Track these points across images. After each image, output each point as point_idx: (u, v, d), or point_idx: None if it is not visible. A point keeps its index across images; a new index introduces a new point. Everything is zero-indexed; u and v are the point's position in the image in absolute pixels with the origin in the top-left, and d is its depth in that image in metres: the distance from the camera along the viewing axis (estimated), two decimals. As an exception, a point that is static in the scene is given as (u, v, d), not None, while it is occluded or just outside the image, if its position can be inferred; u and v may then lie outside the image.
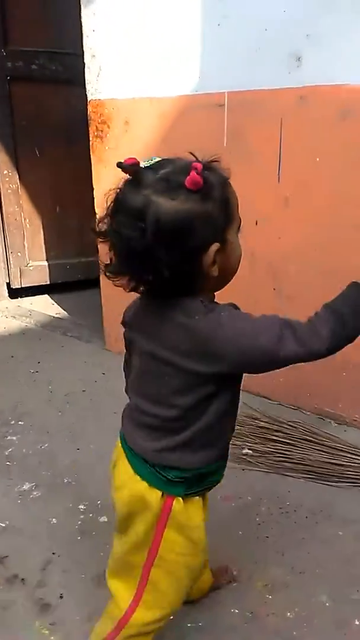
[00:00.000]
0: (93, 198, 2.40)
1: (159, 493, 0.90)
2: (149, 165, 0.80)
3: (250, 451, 1.75)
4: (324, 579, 1.29)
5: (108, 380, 2.30)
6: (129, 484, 0.92)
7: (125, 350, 0.99)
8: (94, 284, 2.70)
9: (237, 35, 1.86)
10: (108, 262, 0.84)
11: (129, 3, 2.09)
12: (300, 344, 0.81)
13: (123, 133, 2.26)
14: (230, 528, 1.46)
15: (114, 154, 2.29)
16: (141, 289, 0.87)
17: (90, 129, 2.36)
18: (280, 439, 1.80)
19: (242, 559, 1.36)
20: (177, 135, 2.08)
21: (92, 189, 2.40)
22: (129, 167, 0.79)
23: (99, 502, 1.56)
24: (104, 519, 1.50)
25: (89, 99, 2.33)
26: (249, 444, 1.78)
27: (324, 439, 1.80)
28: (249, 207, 1.95)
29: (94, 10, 2.20)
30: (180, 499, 0.91)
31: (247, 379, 2.08)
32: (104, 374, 2.36)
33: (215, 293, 0.91)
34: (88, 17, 2.22)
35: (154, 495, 0.90)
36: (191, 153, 0.83)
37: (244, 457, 1.73)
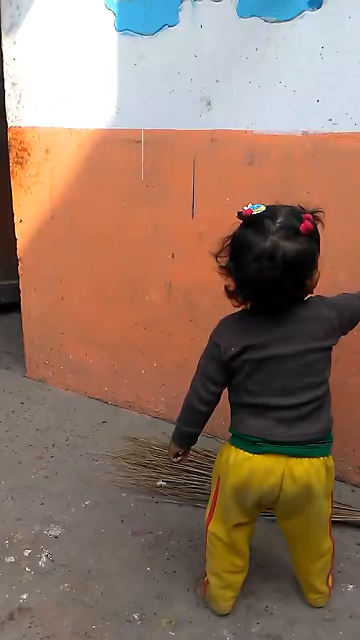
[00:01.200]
0: (13, 223, 2.38)
1: (331, 456, 1.20)
2: (260, 212, 1.08)
3: (164, 483, 1.77)
4: (227, 615, 1.33)
5: (27, 410, 2.27)
6: (318, 471, 1.16)
7: (244, 376, 1.17)
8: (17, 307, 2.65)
9: (153, 75, 1.91)
10: (231, 288, 1.14)
11: (49, 35, 2.11)
12: None
13: (44, 161, 2.26)
14: (138, 564, 1.47)
15: (35, 180, 2.29)
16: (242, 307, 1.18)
17: (10, 154, 2.34)
18: (195, 469, 1.82)
19: (148, 596, 1.37)
20: (97, 166, 2.11)
21: (13, 214, 2.38)
22: (249, 216, 1.08)
23: (6, 541, 1.54)
24: (10, 559, 1.48)
25: (9, 126, 2.32)
26: (164, 475, 1.80)
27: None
28: (165, 240, 2.05)
29: (15, 39, 2.20)
30: None
31: (166, 410, 2.12)
32: (22, 403, 2.32)
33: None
34: (9, 45, 2.22)
35: (331, 460, 1.20)
36: (300, 206, 1.12)
37: (158, 489, 1.75)
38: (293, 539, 1.29)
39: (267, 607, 1.35)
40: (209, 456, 1.89)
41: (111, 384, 2.35)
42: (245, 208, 1.09)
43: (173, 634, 1.27)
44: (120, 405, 2.33)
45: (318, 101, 1.65)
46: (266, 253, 1.04)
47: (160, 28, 1.87)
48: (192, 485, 1.76)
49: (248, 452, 1.17)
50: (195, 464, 1.85)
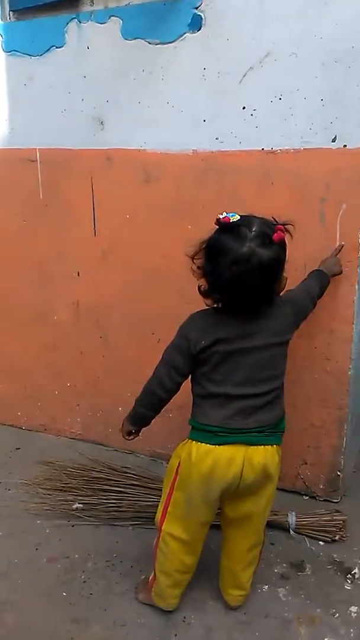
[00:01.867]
0: None
1: (280, 447, 1.29)
2: (237, 221, 1.17)
3: (80, 505, 1.75)
4: (145, 628, 1.33)
5: None
6: (274, 457, 1.26)
7: (211, 367, 1.23)
8: None
9: (44, 95, 1.92)
10: (204, 289, 1.23)
11: None
12: None
13: None
14: (54, 590, 1.44)
15: None
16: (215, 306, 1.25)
17: None
18: (112, 488, 1.81)
19: (64, 621, 1.35)
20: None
21: None
22: (227, 224, 1.17)
23: None
24: None
25: None
26: (80, 497, 1.78)
27: (155, 482, 1.85)
28: (70, 259, 2.04)
29: None
30: None
31: (82, 430, 2.08)
32: None
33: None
34: None
35: (279, 450, 1.28)
36: (273, 218, 1.21)
37: (74, 512, 1.73)
38: (238, 524, 1.32)
39: (185, 617, 1.36)
40: (127, 473, 1.89)
41: (24, 408, 2.29)
42: (222, 216, 1.18)
43: (90, 658, 1.26)
44: (35, 429, 2.28)
45: (204, 121, 1.71)
46: (244, 258, 1.13)
47: (48, 49, 1.88)
48: (110, 505, 1.74)
49: (209, 444, 1.22)
50: (113, 482, 1.84)
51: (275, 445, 1.26)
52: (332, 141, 1.58)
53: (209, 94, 1.69)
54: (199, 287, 1.25)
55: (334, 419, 1.76)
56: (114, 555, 1.57)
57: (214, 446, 1.22)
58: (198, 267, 1.22)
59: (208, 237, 1.22)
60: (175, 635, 1.31)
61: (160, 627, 1.33)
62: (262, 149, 1.66)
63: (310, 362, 1.75)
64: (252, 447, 1.22)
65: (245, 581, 1.36)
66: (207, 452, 1.22)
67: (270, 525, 1.64)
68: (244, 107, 1.66)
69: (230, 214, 1.18)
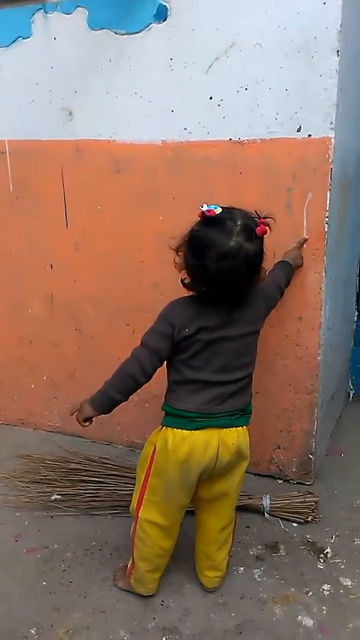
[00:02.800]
0: None
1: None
2: (221, 214, 1.18)
3: (59, 496, 1.76)
4: (124, 614, 1.36)
5: None
6: (246, 437, 1.32)
7: (196, 354, 1.26)
8: None
9: (11, 86, 1.90)
10: (187, 281, 1.25)
11: None
12: None
13: None
14: (34, 580, 1.46)
15: None
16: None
17: None
18: (90, 478, 1.83)
19: (45, 609, 1.37)
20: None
21: None
22: (212, 217, 1.18)
23: None
24: None
25: None
26: (59, 489, 1.79)
27: (133, 471, 1.87)
28: (42, 251, 2.04)
29: None
30: None
31: (60, 422, 2.07)
32: None
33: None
34: None
35: (248, 430, 1.33)
36: (256, 211, 1.24)
37: (53, 503, 1.74)
38: (212, 504, 1.35)
39: (163, 601, 1.39)
40: (105, 464, 1.91)
41: (1, 403, 2.29)
42: (205, 208, 1.18)
43: (70, 643, 1.28)
44: (13, 423, 2.28)
45: (172, 111, 1.72)
46: (232, 252, 1.16)
47: (15, 40, 1.86)
48: (88, 495, 1.76)
49: (185, 429, 1.25)
50: (91, 472, 1.86)
51: (244, 426, 1.32)
52: (297, 131, 1.60)
53: (176, 85, 1.69)
54: (182, 280, 1.26)
55: (305, 403, 1.80)
56: (93, 543, 1.59)
57: (190, 432, 1.25)
58: (181, 261, 1.24)
59: (191, 229, 1.23)
60: (154, 619, 1.34)
61: (139, 612, 1.36)
62: (230, 139, 1.68)
63: (281, 349, 1.78)
64: (225, 429, 1.27)
65: (220, 562, 1.40)
66: (183, 438, 1.25)
67: (245, 508, 1.70)
68: (211, 98, 1.67)
69: (213, 207, 1.19)
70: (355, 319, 2.38)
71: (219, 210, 1.18)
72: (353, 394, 2.44)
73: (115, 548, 1.57)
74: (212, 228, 1.18)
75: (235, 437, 1.28)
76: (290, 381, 1.81)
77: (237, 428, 1.29)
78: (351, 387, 2.44)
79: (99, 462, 1.93)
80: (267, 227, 1.21)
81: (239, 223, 1.17)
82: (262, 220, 1.21)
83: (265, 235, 1.21)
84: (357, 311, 2.36)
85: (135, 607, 1.38)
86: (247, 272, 1.19)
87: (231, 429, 1.28)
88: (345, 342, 2.30)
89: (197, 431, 1.25)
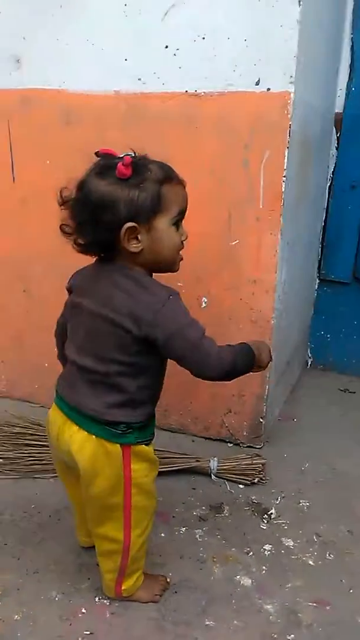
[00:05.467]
0: None
1: (117, 444, 1.05)
2: (116, 157, 1.01)
3: (0, 460, 1.71)
4: (57, 575, 1.32)
5: None
6: (87, 445, 1.05)
7: (63, 316, 1.14)
8: None
9: None
10: (65, 224, 1.04)
11: None
12: (214, 353, 1.03)
13: None
14: (-32, 542, 1.42)
15: None
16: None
17: None
18: (35, 442, 1.78)
19: (-24, 572, 1.33)
20: None
21: None
22: (100, 154, 1.03)
23: None
24: None
25: None
26: (1, 452, 1.74)
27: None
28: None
29: None
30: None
31: (8, 387, 2.00)
32: None
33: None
34: None
35: (115, 447, 1.05)
36: (132, 149, 1.03)
37: (-6, 466, 1.69)
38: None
39: (98, 563, 1.36)
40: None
41: None
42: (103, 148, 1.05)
43: (0, 603, 1.24)
44: None
45: (126, 60, 1.64)
46: (78, 185, 1.01)
47: None
48: (31, 458, 1.71)
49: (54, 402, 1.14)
50: (37, 436, 1.81)
51: (95, 437, 1.05)
52: (256, 84, 1.54)
53: (130, 32, 1.61)
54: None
55: (258, 368, 1.77)
56: (32, 506, 1.54)
57: (52, 405, 1.14)
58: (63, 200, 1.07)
59: None
60: (89, 579, 1.31)
61: (73, 573, 1.33)
62: (186, 91, 1.61)
63: (235, 313, 1.74)
64: (69, 421, 1.07)
65: (103, 572, 1.22)
66: (50, 410, 1.15)
67: (192, 471, 1.68)
68: (166, 47, 1.59)
69: (127, 152, 1.03)
70: (316, 286, 2.36)
71: (122, 154, 1.01)
72: (311, 361, 2.44)
73: (55, 511, 1.52)
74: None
75: (69, 435, 1.07)
76: (243, 345, 1.78)
77: (81, 430, 1.05)
78: (309, 355, 2.44)
79: (43, 427, 1.87)
80: (127, 168, 0.96)
81: (109, 160, 1.00)
82: (126, 157, 0.98)
83: (125, 180, 0.97)
84: (318, 278, 2.34)
85: (70, 568, 1.34)
86: (85, 210, 0.99)
87: (72, 424, 1.07)
88: (304, 309, 2.28)
89: (53, 405, 1.13)
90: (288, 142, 1.55)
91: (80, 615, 1.22)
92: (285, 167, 1.57)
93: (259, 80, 1.54)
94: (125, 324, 1.00)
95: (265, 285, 1.69)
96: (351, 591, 1.30)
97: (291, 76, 1.50)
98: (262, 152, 1.58)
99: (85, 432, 1.05)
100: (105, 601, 1.25)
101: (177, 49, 1.59)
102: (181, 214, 1.05)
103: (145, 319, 0.99)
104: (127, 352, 1.02)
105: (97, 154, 1.03)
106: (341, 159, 2.15)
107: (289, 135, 1.55)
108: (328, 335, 2.38)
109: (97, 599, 1.26)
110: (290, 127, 1.54)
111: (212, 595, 1.27)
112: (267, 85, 1.53)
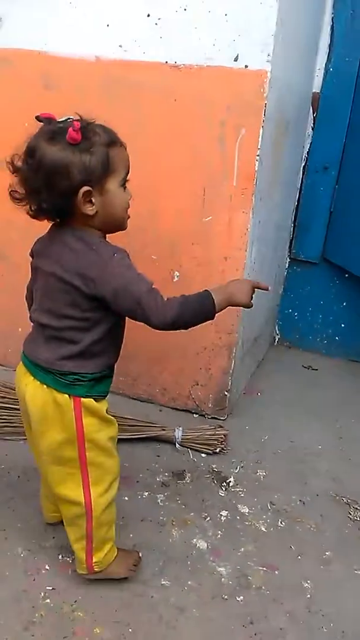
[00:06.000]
0: None
1: (66, 395, 1.09)
2: (59, 121, 1.02)
3: (-31, 422, 1.75)
4: (24, 533, 1.38)
5: None
6: (39, 393, 1.10)
7: (30, 281, 1.17)
8: None
9: None
10: (15, 190, 1.04)
11: None
12: (158, 305, 1.04)
13: None
14: None
15: None
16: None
17: None
18: (6, 405, 1.81)
19: None
20: None
21: None
22: (43, 119, 1.02)
23: None
24: None
25: None
26: (-29, 414, 1.77)
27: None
28: None
29: None
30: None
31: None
32: None
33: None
34: None
35: (63, 397, 1.09)
36: (77, 114, 1.03)
37: None
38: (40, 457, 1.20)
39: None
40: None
41: None
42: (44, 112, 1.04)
43: (-35, 560, 1.30)
44: None
45: (108, 26, 1.62)
46: (28, 150, 1.01)
47: None
48: (1, 420, 1.75)
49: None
50: (7, 399, 1.84)
51: (46, 386, 1.09)
52: (234, 60, 1.54)
53: (112, -3, 1.58)
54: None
55: (225, 342, 1.82)
56: (2, 466, 1.59)
57: (19, 362, 1.17)
58: (12, 166, 1.05)
59: None
60: (53, 538, 1.37)
61: (39, 532, 1.39)
62: (166, 62, 1.60)
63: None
64: (28, 372, 1.12)
65: (72, 544, 1.23)
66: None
67: (157, 439, 1.74)
68: (148, 15, 1.57)
69: (66, 117, 1.04)
70: (287, 265, 2.41)
71: (62, 119, 1.03)
72: (279, 338, 2.51)
73: (24, 471, 1.57)
74: (38, 132, 1.03)
75: (25, 384, 1.12)
76: (213, 321, 1.82)
77: (36, 380, 1.10)
78: (277, 332, 2.50)
79: (13, 389, 1.90)
80: (77, 133, 0.97)
81: (56, 126, 1.01)
82: (75, 122, 0.99)
83: (76, 144, 0.98)
84: (289, 258, 2.38)
85: (36, 527, 1.40)
86: (38, 177, 0.99)
87: (29, 375, 1.11)
88: (274, 287, 2.33)
89: (20, 363, 1.16)
90: (263, 121, 1.57)
91: (44, 571, 1.29)
92: (259, 147, 1.59)
93: (237, 57, 1.54)
94: (75, 282, 1.03)
95: (236, 263, 1.73)
96: (299, 557, 1.39)
97: (269, 54, 1.51)
98: (238, 130, 1.60)
99: (38, 382, 1.10)
100: (68, 559, 1.32)
101: (159, 19, 1.57)
102: (127, 174, 1.09)
103: (91, 277, 1.03)
104: (79, 308, 1.06)
105: (37, 118, 1.03)
106: (316, 140, 2.16)
107: (264, 115, 1.56)
108: (296, 314, 2.44)
109: (60, 556, 1.33)
110: (265, 107, 1.55)
111: (170, 556, 1.35)
112: (245, 62, 1.53)
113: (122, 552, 1.28)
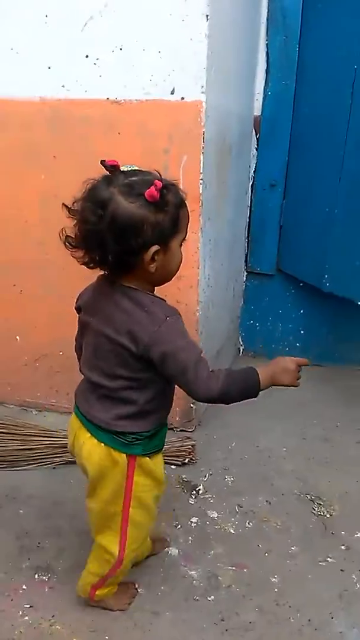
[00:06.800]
0: None
1: (124, 454, 1.10)
2: (125, 170, 1.00)
3: None
4: (0, 557, 1.42)
5: None
6: (96, 451, 1.11)
7: (78, 334, 1.18)
8: None
9: None
10: (72, 235, 1.01)
11: None
12: (204, 377, 1.02)
13: None
14: None
15: None
16: (99, 273, 1.07)
17: None
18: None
19: None
20: None
21: None
22: (108, 166, 0.98)
23: None
24: None
25: None
26: None
27: (21, 428, 1.92)
28: None
29: None
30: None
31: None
32: None
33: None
34: None
35: (121, 456, 1.10)
36: (157, 172, 1.03)
37: None
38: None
39: (39, 543, 1.47)
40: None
41: None
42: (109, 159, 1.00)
43: None
44: None
45: (49, 68, 1.72)
46: (99, 200, 0.96)
47: None
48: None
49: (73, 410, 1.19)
50: None
51: (104, 445, 1.10)
52: (171, 93, 1.65)
53: (52, 41, 1.69)
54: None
55: (186, 357, 1.90)
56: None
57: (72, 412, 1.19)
58: (70, 210, 1.03)
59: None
60: (29, 559, 1.42)
61: (14, 554, 1.43)
62: (107, 98, 1.70)
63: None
64: (83, 427, 1.13)
65: (87, 571, 1.26)
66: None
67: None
68: (87, 56, 1.68)
69: (128, 165, 1.01)
70: (245, 278, 2.51)
71: (126, 167, 1.01)
72: (243, 348, 2.60)
73: (-3, 499, 1.62)
74: (103, 179, 0.99)
75: (82, 441, 1.13)
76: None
77: (92, 437, 1.11)
78: (241, 343, 2.60)
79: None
80: (156, 193, 0.95)
81: (129, 178, 0.98)
82: (157, 181, 0.96)
83: (158, 201, 0.97)
84: (246, 271, 2.49)
85: (11, 549, 1.44)
86: (110, 230, 0.96)
87: (86, 431, 1.13)
88: (233, 301, 2.43)
89: (73, 413, 1.18)
90: (203, 147, 1.68)
91: (21, 591, 1.33)
92: (201, 171, 1.70)
93: (173, 90, 1.65)
94: (125, 343, 1.02)
95: (190, 281, 1.82)
96: (266, 555, 1.46)
97: (202, 86, 1.62)
98: (181, 157, 1.70)
99: (96, 440, 1.11)
100: (44, 577, 1.37)
101: (97, 59, 1.68)
102: (186, 234, 1.09)
103: (142, 339, 1.01)
104: (131, 369, 1.05)
105: (102, 163, 0.99)
106: (260, 160, 2.29)
107: (203, 141, 1.67)
108: (257, 324, 2.54)
109: (36, 576, 1.37)
110: (204, 134, 1.66)
111: (143, 566, 1.41)
112: (182, 95, 1.65)
113: (121, 587, 1.31)
